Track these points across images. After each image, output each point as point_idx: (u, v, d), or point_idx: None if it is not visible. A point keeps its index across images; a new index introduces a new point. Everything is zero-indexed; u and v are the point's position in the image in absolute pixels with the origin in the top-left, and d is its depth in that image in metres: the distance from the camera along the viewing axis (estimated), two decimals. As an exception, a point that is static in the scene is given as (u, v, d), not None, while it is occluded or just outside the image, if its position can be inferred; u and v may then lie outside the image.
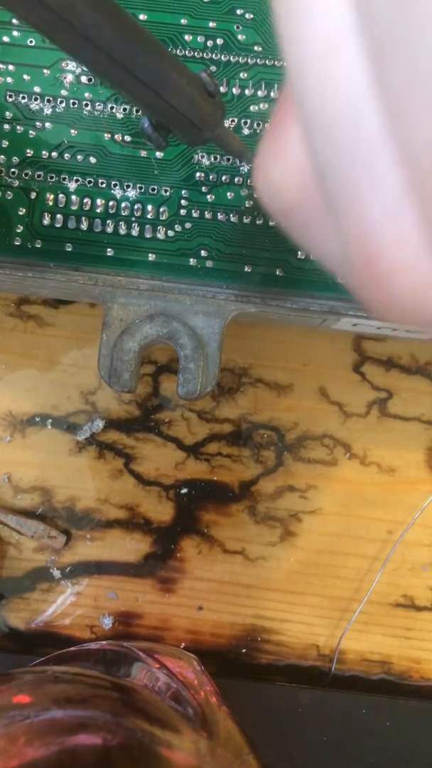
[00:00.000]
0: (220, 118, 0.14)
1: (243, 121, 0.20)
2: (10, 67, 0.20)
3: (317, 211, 0.10)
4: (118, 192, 0.20)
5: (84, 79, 0.20)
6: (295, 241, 0.10)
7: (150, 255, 0.20)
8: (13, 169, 0.20)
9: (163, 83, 0.12)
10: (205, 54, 0.20)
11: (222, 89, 0.20)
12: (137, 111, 0.20)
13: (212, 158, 0.20)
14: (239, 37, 0.20)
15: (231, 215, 0.20)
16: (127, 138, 0.20)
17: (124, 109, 0.20)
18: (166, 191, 0.20)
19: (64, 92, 0.20)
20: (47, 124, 0.20)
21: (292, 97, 0.09)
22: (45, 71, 0.20)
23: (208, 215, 0.20)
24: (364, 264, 0.08)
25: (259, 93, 0.20)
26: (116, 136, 0.20)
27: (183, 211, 0.20)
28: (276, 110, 0.10)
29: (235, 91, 0.20)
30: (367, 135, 0.08)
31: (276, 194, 0.10)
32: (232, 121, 0.20)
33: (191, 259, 0.20)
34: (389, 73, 0.07)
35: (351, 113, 0.08)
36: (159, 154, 0.20)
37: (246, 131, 0.20)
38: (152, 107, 0.12)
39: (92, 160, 0.20)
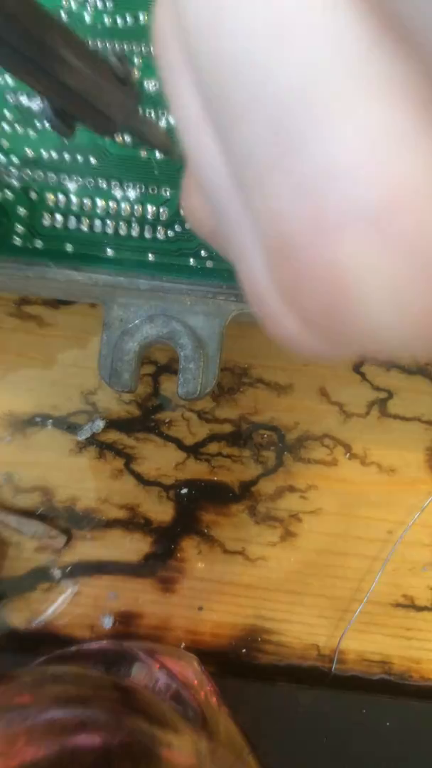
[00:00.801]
0: (134, 107, 0.13)
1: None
2: (11, 68, 0.20)
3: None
4: (118, 192, 0.20)
5: (84, 79, 0.20)
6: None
7: (150, 255, 0.20)
8: (13, 170, 0.20)
9: (51, 59, 0.11)
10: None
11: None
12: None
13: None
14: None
15: (231, 215, 0.20)
16: (128, 138, 0.20)
17: (125, 110, 0.20)
18: (165, 191, 0.20)
19: (64, 92, 0.20)
20: (47, 125, 0.20)
21: None
22: (45, 71, 0.20)
23: (208, 215, 0.20)
24: (256, 305, 0.09)
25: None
26: (116, 137, 0.20)
27: (183, 212, 0.20)
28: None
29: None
30: (234, 204, 0.08)
31: (197, 223, 0.11)
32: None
33: (191, 259, 0.20)
34: (228, 157, 0.08)
35: (219, 183, 0.08)
36: (159, 155, 0.20)
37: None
38: (48, 89, 0.11)
39: (92, 160, 0.20)
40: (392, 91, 0.06)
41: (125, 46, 0.19)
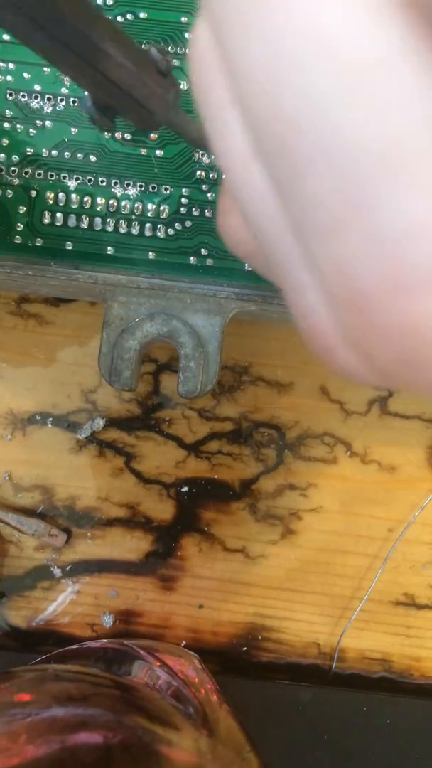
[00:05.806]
0: (173, 100, 0.13)
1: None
2: (11, 65, 0.20)
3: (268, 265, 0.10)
4: (118, 190, 0.20)
5: (84, 77, 0.20)
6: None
7: (150, 253, 0.20)
8: (13, 168, 0.20)
9: (96, 53, 0.11)
10: (205, 52, 0.20)
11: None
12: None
13: (212, 156, 0.20)
14: (239, 34, 0.20)
15: (231, 213, 0.20)
16: (128, 136, 0.20)
17: (125, 107, 0.20)
18: (166, 189, 0.20)
19: (64, 90, 0.20)
20: (47, 123, 0.20)
21: None
22: (45, 69, 0.20)
23: (208, 213, 0.20)
24: (307, 338, 0.09)
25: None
26: (116, 135, 0.20)
27: (183, 210, 0.20)
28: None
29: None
30: (286, 241, 0.08)
31: (234, 243, 0.11)
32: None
33: (191, 258, 0.20)
34: (287, 203, 0.08)
35: (269, 220, 0.08)
36: (159, 152, 0.20)
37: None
38: (91, 82, 0.11)
39: (92, 158, 0.20)
40: None
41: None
